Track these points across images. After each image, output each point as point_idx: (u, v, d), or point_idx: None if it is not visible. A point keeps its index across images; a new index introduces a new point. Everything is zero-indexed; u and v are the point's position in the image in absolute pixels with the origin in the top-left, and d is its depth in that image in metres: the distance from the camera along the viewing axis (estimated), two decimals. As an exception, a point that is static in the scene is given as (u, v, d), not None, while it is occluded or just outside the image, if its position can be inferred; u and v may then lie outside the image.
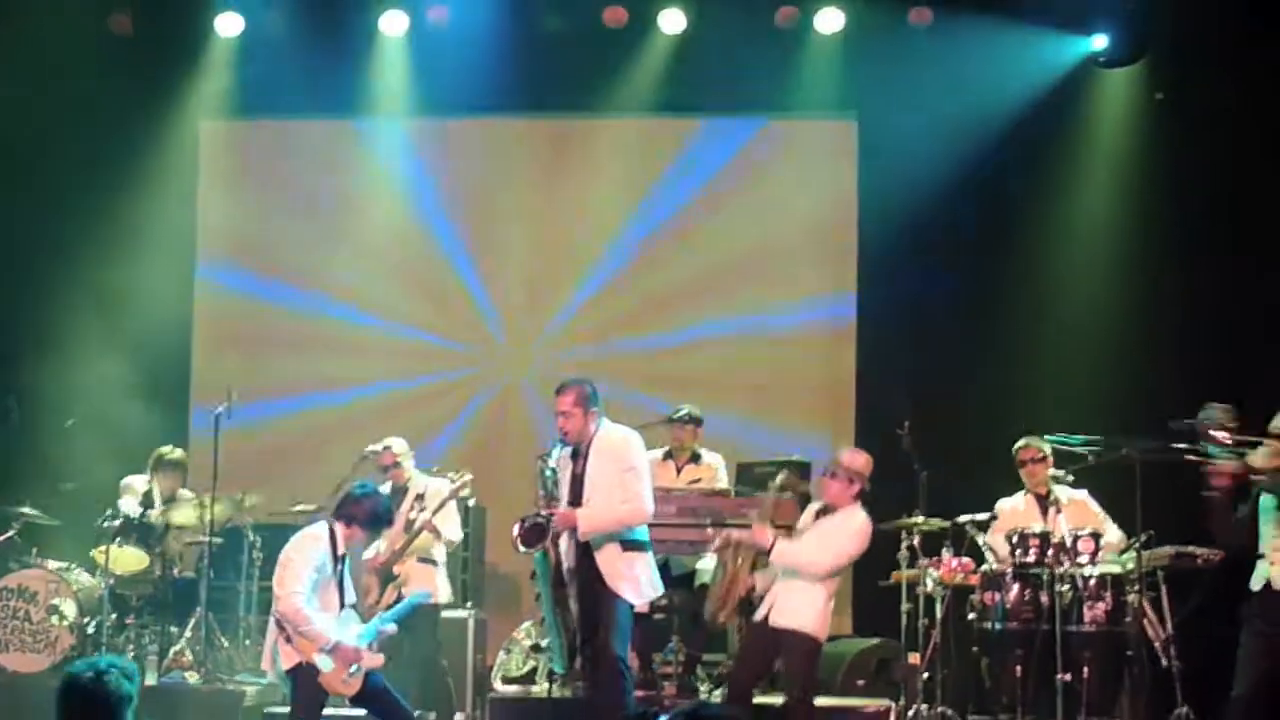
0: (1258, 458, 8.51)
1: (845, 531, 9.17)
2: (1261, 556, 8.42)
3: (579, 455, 8.95)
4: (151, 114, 13.25)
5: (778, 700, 9.57)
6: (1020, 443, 10.55)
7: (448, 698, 10.54)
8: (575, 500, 8.88)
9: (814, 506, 9.44)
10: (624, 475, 8.84)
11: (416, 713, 9.81)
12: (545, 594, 8.89)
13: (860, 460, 9.31)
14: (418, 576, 10.31)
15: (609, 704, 8.68)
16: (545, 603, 8.92)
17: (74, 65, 12.62)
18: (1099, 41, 12.69)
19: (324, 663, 8.64)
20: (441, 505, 10.28)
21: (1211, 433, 8.76)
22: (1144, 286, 12.29)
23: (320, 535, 8.83)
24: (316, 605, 8.69)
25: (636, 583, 8.87)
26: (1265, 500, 8.35)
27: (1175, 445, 9.06)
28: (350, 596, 8.98)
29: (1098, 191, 12.61)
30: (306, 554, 8.74)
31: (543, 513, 8.81)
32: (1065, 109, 12.70)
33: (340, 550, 8.83)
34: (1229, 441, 8.66)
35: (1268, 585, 8.30)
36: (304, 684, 8.71)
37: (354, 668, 8.71)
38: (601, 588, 8.79)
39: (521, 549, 8.83)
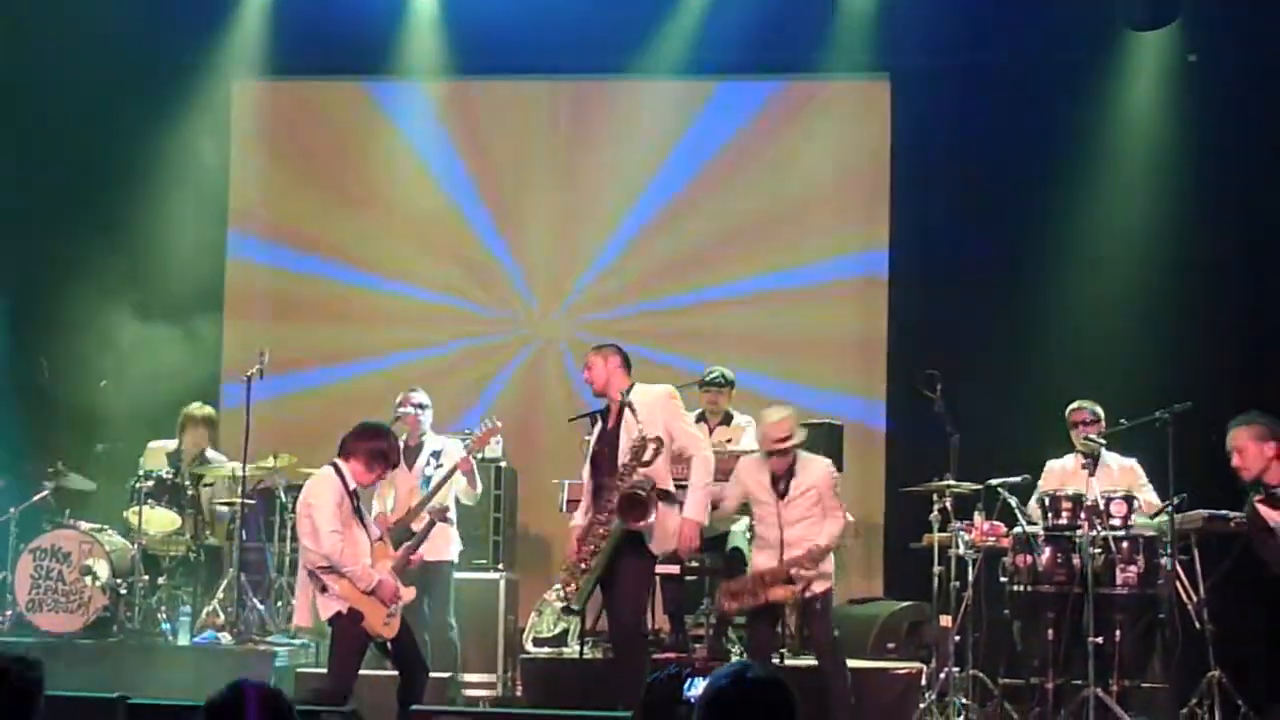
0: None
1: (825, 486, 9.50)
2: None
3: (608, 412, 9.04)
4: (185, 73, 13.25)
5: (806, 662, 9.60)
6: (1074, 404, 10.54)
7: (454, 658, 10.50)
8: (611, 456, 8.96)
9: (763, 479, 9.54)
10: (675, 425, 8.98)
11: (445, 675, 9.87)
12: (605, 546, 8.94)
13: (785, 424, 9.49)
14: (435, 535, 10.26)
15: (626, 663, 8.75)
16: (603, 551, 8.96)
17: (106, 23, 12.59)
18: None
19: (367, 607, 8.62)
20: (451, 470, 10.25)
21: None
22: (1178, 250, 12.21)
23: (329, 475, 8.77)
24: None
25: (664, 532, 8.96)
26: None
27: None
28: (374, 531, 8.94)
29: (1132, 152, 12.53)
30: (325, 496, 8.67)
31: (641, 487, 8.85)
32: (1098, 71, 12.63)
33: (352, 486, 8.75)
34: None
35: None
36: (346, 631, 8.66)
37: (394, 607, 8.70)
38: (635, 541, 8.89)
39: (629, 525, 8.85)
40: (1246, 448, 8.91)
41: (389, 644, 8.79)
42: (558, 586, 11.10)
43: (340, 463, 8.80)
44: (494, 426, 10.39)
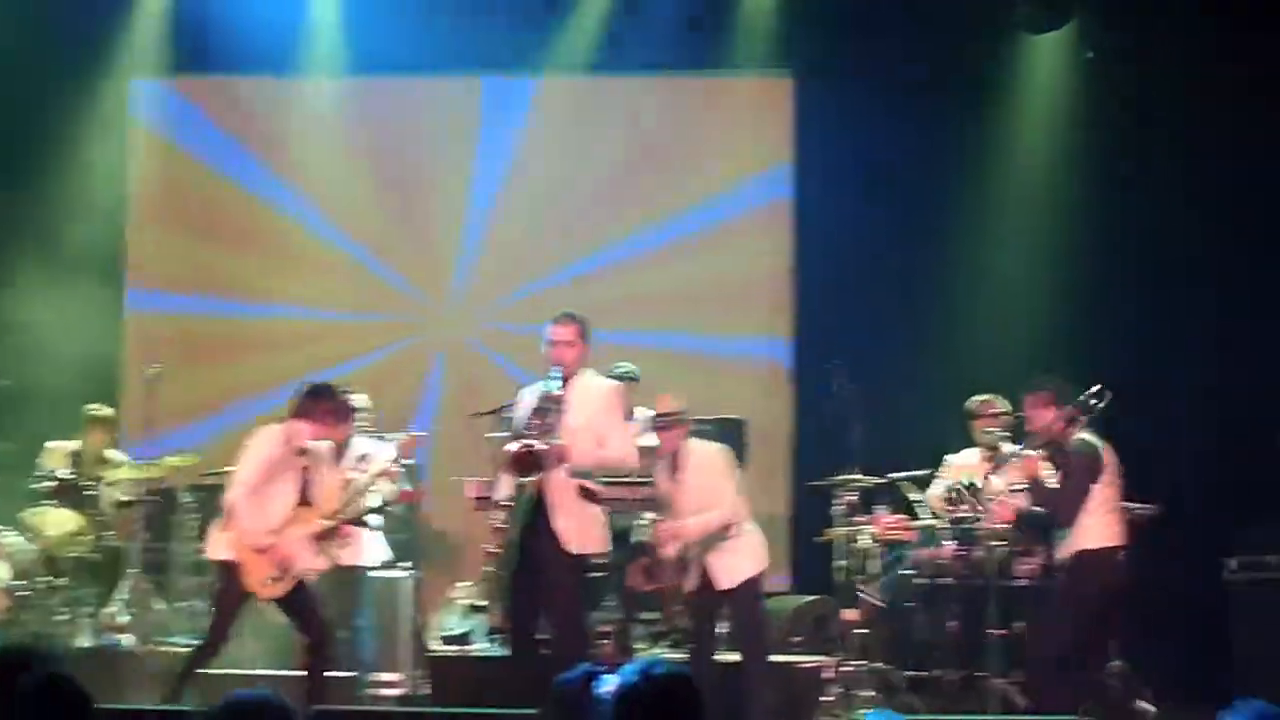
0: None
1: (715, 473, 9.28)
2: None
3: (550, 398, 8.85)
4: (80, 71, 13.09)
5: (733, 657, 9.60)
6: (981, 397, 10.58)
7: (365, 659, 10.44)
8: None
9: (660, 465, 9.42)
10: (614, 421, 8.86)
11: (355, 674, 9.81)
12: (515, 529, 8.75)
13: (671, 402, 9.36)
14: (353, 540, 10.23)
15: (570, 660, 8.65)
16: (511, 543, 8.78)
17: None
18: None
19: (251, 563, 8.65)
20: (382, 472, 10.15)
21: None
22: (1079, 244, 12.39)
23: (274, 430, 8.79)
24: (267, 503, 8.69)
25: (599, 537, 8.91)
26: None
27: None
28: (312, 496, 8.92)
29: (1033, 148, 12.72)
30: (262, 447, 8.72)
31: (536, 443, 8.64)
32: (999, 71, 12.81)
33: (302, 446, 8.75)
34: None
35: None
36: (227, 580, 8.79)
37: (278, 573, 8.68)
38: (557, 543, 8.72)
39: (517, 477, 8.66)
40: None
41: (279, 604, 8.82)
42: (464, 584, 11.12)
43: (294, 422, 8.75)
44: (412, 436, 10.23)
